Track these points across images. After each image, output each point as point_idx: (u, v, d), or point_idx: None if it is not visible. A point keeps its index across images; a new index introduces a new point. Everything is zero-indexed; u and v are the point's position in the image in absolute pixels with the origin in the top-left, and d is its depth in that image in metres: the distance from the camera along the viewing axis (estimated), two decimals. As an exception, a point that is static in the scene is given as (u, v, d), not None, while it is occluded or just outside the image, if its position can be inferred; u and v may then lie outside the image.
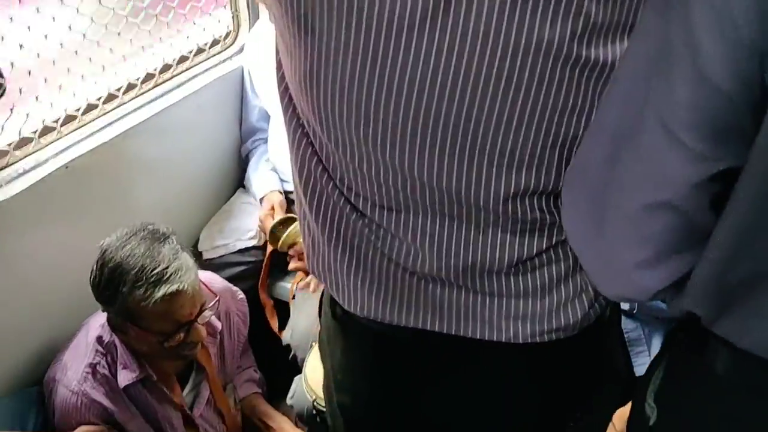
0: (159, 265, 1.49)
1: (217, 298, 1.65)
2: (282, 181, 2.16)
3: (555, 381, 0.99)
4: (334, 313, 1.05)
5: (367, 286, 0.95)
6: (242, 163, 2.30)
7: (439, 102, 0.79)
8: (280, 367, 2.00)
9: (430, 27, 0.75)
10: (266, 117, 2.23)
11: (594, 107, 0.79)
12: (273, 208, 2.09)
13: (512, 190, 0.84)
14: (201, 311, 1.59)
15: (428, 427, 1.07)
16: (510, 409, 1.01)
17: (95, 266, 1.52)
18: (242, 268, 2.13)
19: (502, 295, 0.91)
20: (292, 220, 2.00)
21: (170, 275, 1.50)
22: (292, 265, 2.00)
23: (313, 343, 1.79)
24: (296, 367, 1.90)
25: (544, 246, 0.89)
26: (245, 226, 2.15)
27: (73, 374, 1.58)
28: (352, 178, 0.89)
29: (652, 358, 1.54)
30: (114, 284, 1.49)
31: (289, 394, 1.80)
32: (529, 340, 0.92)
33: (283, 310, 2.12)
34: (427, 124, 0.81)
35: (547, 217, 0.87)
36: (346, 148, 0.86)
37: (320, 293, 1.19)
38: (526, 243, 0.88)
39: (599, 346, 1.02)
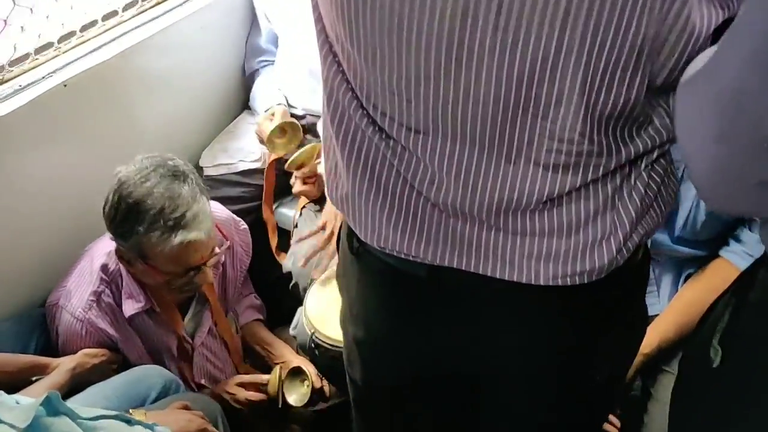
0: (178, 208, 1.47)
1: (228, 244, 1.65)
2: (289, 106, 2.10)
3: (575, 327, 0.96)
4: (351, 245, 1.03)
5: (386, 215, 0.92)
6: (246, 82, 2.24)
7: (478, 4, 0.73)
8: (279, 293, 1.99)
9: None
10: (275, 40, 2.15)
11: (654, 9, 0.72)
12: (273, 115, 2.03)
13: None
14: (211, 255, 1.58)
15: (440, 365, 1.06)
16: (526, 354, 0.99)
17: (111, 197, 1.48)
18: (243, 189, 2.10)
19: (525, 233, 0.87)
20: (293, 128, 1.96)
21: (188, 221, 1.47)
22: (296, 189, 1.98)
23: (314, 275, 1.77)
24: (297, 295, 1.89)
25: (579, 183, 0.84)
26: (250, 147, 2.11)
27: (78, 301, 1.57)
28: (379, 93, 0.85)
29: (661, 298, 1.54)
30: (130, 221, 1.47)
31: (292, 325, 1.80)
32: (551, 283, 0.88)
33: (282, 238, 2.10)
34: (465, 21, 0.75)
35: (595, 149, 0.82)
36: (376, 56, 0.81)
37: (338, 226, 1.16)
38: (558, 179, 0.83)
39: (626, 291, 0.98)
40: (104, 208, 1.50)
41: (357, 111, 0.88)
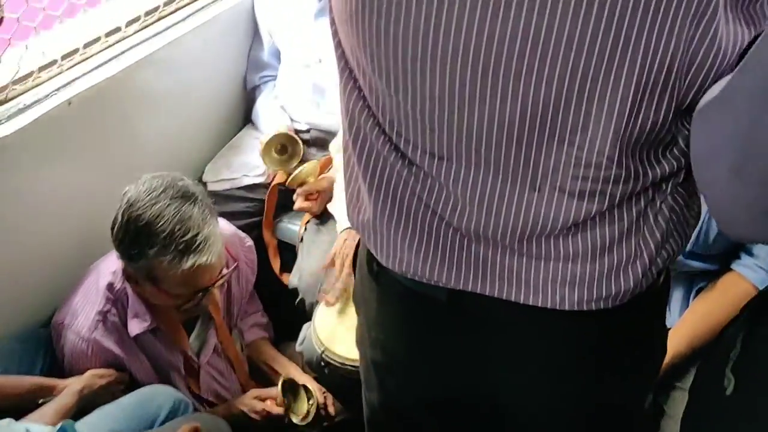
0: (189, 232, 1.45)
1: (235, 265, 1.64)
2: (292, 120, 2.10)
3: (597, 351, 0.95)
4: (370, 268, 1.02)
5: (407, 240, 0.91)
6: (248, 97, 2.23)
7: (506, 20, 0.72)
8: (285, 309, 1.98)
9: None
10: (277, 54, 2.15)
11: (683, 30, 0.71)
12: None
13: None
14: (220, 276, 1.57)
15: (460, 389, 1.05)
16: (546, 379, 0.98)
17: (120, 218, 1.47)
18: (247, 204, 2.10)
19: (549, 257, 0.86)
20: (292, 143, 1.95)
21: (199, 244, 1.46)
22: (298, 205, 1.97)
23: (320, 298, 1.77)
24: (303, 311, 1.88)
25: (604, 208, 0.83)
26: (253, 162, 2.11)
27: (84, 321, 1.56)
28: (402, 120, 0.84)
29: (672, 312, 1.53)
30: (140, 243, 1.45)
31: (299, 341, 1.79)
32: (576, 308, 0.87)
33: (286, 252, 2.09)
34: (490, 48, 0.74)
35: (623, 173, 0.80)
36: (398, 85, 0.81)
37: (355, 246, 1.16)
38: (584, 206, 0.82)
39: (648, 314, 0.97)
40: (113, 229, 1.48)
41: (379, 137, 0.88)
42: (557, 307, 0.87)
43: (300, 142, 2.00)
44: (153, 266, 1.47)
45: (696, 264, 1.47)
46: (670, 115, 0.78)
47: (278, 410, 1.75)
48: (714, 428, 0.97)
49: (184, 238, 1.45)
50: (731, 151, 0.67)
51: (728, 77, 0.70)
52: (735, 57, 0.72)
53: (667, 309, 1.54)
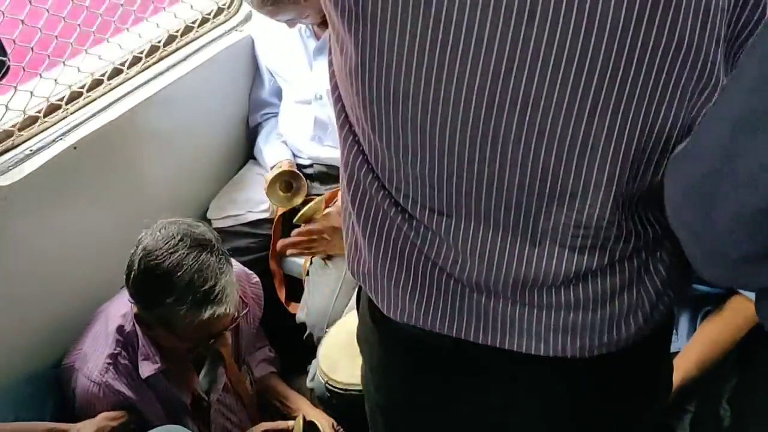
0: (207, 282, 1.45)
1: (247, 309, 1.65)
2: (294, 156, 2.12)
3: (602, 396, 0.95)
4: (372, 315, 1.02)
5: (408, 292, 0.92)
6: (250, 134, 2.25)
7: (506, 87, 0.74)
8: (293, 342, 1.98)
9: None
10: (278, 92, 2.17)
11: (684, 100, 0.73)
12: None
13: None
14: (232, 322, 1.58)
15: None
16: (550, 424, 0.98)
17: (137, 266, 1.47)
18: (252, 240, 2.10)
19: (551, 307, 0.87)
20: (296, 179, 1.97)
21: (217, 294, 1.47)
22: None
23: (327, 329, 1.77)
24: (312, 345, 1.88)
25: (605, 263, 0.84)
26: (257, 198, 2.12)
27: (94, 365, 1.56)
28: (402, 178, 0.85)
29: (679, 338, 1.54)
30: (158, 293, 1.46)
31: (309, 377, 1.79)
32: (578, 355, 0.88)
33: (293, 285, 2.10)
34: (490, 113, 0.75)
35: (623, 233, 0.82)
36: (399, 145, 0.82)
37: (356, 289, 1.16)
38: (585, 260, 0.83)
39: (652, 357, 0.98)
40: (128, 276, 1.49)
41: (378, 191, 0.89)
42: (559, 355, 0.88)
43: (303, 177, 2.01)
44: (169, 315, 1.47)
45: (701, 288, 1.48)
46: None
47: None
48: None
49: (203, 289, 1.45)
50: (699, 201, 0.69)
51: (694, 130, 0.72)
52: None
53: (675, 333, 1.56)
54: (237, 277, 1.72)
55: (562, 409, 0.96)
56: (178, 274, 1.44)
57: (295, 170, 2.02)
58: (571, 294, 0.85)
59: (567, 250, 0.83)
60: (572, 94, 0.72)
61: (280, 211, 2.06)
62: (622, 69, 0.70)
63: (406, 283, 0.92)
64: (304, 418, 1.78)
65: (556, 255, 0.83)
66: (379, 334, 1.03)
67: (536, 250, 0.83)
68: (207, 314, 1.46)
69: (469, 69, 0.74)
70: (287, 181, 2.01)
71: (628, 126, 0.74)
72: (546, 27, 0.70)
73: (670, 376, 1.09)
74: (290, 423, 1.80)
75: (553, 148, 0.76)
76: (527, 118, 0.75)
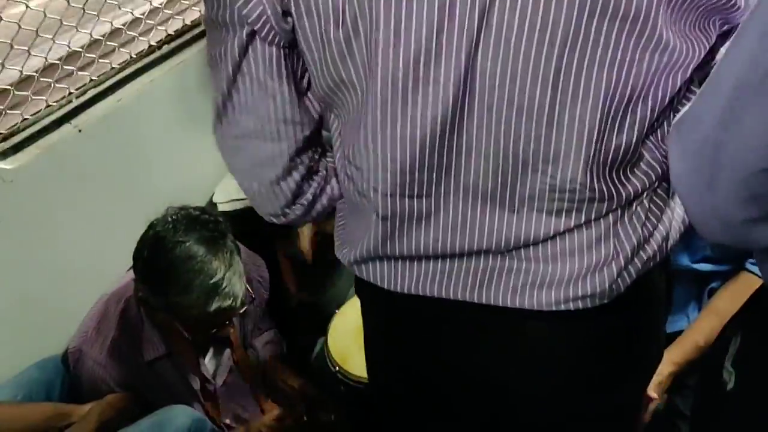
0: (216, 274, 1.45)
1: (252, 300, 1.64)
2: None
3: (586, 353, 0.97)
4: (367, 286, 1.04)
5: (398, 262, 0.96)
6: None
7: (474, 64, 0.78)
8: (298, 322, 1.99)
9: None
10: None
11: (634, 63, 0.77)
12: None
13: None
14: (237, 312, 1.58)
15: (452, 396, 1.08)
16: (538, 380, 1.00)
17: (147, 253, 1.46)
18: (256, 222, 2.08)
19: (528, 262, 0.90)
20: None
21: (225, 288, 1.46)
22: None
23: (336, 310, 1.77)
24: (316, 325, 1.89)
25: (583, 220, 0.87)
26: (262, 181, 2.11)
27: (100, 347, 1.58)
28: (378, 173, 0.88)
29: (687, 316, 1.53)
30: (166, 280, 1.45)
31: (314, 355, 1.79)
32: (553, 308, 0.90)
33: (300, 267, 2.10)
34: (464, 106, 0.80)
35: (597, 195, 0.85)
36: (376, 134, 0.85)
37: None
38: (562, 221, 0.87)
39: (637, 317, 0.99)
40: (136, 261, 1.49)
41: (356, 184, 0.93)
42: (534, 308, 0.91)
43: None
44: (176, 303, 1.47)
45: (706, 267, 1.48)
46: (634, 137, 0.83)
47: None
48: (720, 424, 0.98)
49: (211, 281, 1.45)
50: (701, 166, 0.72)
51: (695, 97, 0.75)
52: (689, 75, 0.80)
53: (685, 313, 1.56)
54: (243, 261, 1.72)
55: (552, 364, 0.98)
56: (188, 265, 1.43)
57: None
58: (548, 248, 0.89)
59: (544, 214, 0.86)
60: (535, 65, 0.76)
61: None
62: (581, 38, 0.75)
63: (392, 255, 0.95)
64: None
65: (534, 219, 0.87)
66: (377, 297, 1.05)
67: (514, 217, 0.87)
68: (214, 307, 1.46)
69: (444, 51, 0.77)
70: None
71: (591, 91, 0.78)
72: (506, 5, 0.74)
73: (659, 343, 1.09)
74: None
75: (522, 119, 0.80)
76: (507, 88, 0.78)
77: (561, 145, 0.81)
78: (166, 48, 1.93)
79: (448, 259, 0.93)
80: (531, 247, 0.89)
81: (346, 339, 1.68)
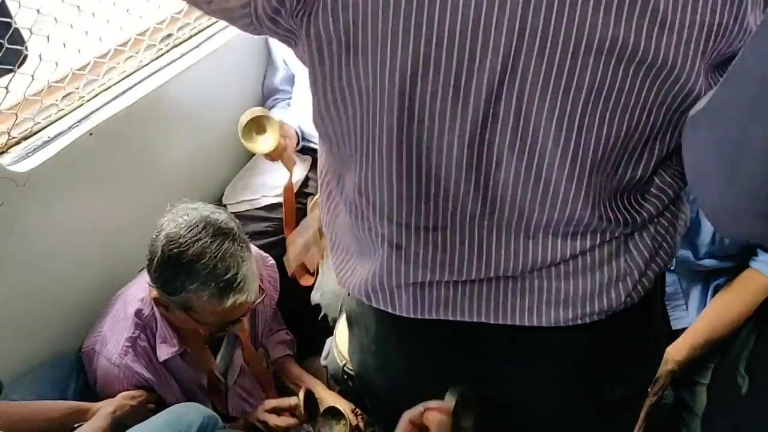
0: (230, 270, 1.47)
1: (264, 295, 1.66)
2: (308, 140, 2.14)
3: (596, 359, 0.99)
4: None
5: (410, 292, 0.95)
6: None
7: (498, 102, 0.77)
8: (309, 324, 2.00)
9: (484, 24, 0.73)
10: (290, 80, 2.20)
11: (656, 107, 0.77)
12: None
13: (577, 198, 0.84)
14: (250, 308, 1.60)
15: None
16: (551, 392, 1.01)
17: (160, 253, 1.47)
18: (268, 223, 2.12)
19: (543, 284, 0.91)
20: (269, 122, 1.93)
21: (239, 283, 1.49)
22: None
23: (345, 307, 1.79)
24: (327, 326, 1.90)
25: (598, 242, 0.88)
26: (272, 182, 2.14)
27: (114, 347, 1.59)
28: (391, 203, 0.88)
29: (689, 311, 1.55)
30: (181, 279, 1.47)
31: (323, 355, 1.81)
32: (570, 323, 0.92)
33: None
34: (483, 127, 0.80)
35: (611, 224, 0.86)
36: (391, 169, 0.85)
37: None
38: (578, 244, 0.87)
39: (643, 320, 1.01)
40: (150, 261, 1.50)
41: (365, 214, 0.92)
42: (552, 325, 0.92)
43: (273, 116, 1.97)
44: (191, 300, 1.49)
45: (710, 263, 1.49)
46: (649, 170, 0.84)
47: (292, 422, 1.77)
48: (733, 428, 0.98)
49: (225, 277, 1.47)
50: (722, 160, 0.70)
51: (714, 90, 0.72)
52: None
53: (685, 308, 1.57)
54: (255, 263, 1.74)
55: (564, 375, 0.99)
56: (202, 261, 1.45)
57: (265, 112, 1.97)
58: (561, 269, 0.89)
59: (560, 239, 0.87)
60: (562, 105, 0.76)
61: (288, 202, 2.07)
62: (607, 84, 0.74)
63: (407, 285, 0.95)
64: (308, 391, 1.80)
65: (550, 244, 0.87)
66: (376, 317, 1.06)
67: (530, 242, 0.88)
68: (229, 302, 1.49)
69: (461, 99, 0.78)
70: (260, 125, 1.95)
71: (612, 138, 0.78)
72: (534, 54, 0.74)
73: (661, 347, 1.11)
74: (293, 400, 1.82)
75: (534, 157, 0.80)
76: (519, 134, 0.79)
77: (571, 189, 0.82)
78: (175, 52, 1.95)
79: (460, 284, 0.93)
80: (546, 269, 0.90)
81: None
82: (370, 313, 1.07)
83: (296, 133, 2.12)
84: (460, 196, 0.85)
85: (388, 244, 0.91)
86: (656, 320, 1.06)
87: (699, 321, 1.48)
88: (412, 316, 0.97)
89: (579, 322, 0.91)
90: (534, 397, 1.02)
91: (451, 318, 0.95)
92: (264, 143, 1.94)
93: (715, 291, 1.53)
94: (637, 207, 0.87)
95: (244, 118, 1.91)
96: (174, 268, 1.47)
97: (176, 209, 1.54)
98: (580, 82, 0.74)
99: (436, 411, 0.93)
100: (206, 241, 1.47)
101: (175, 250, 1.46)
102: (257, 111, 1.94)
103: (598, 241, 0.87)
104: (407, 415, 0.95)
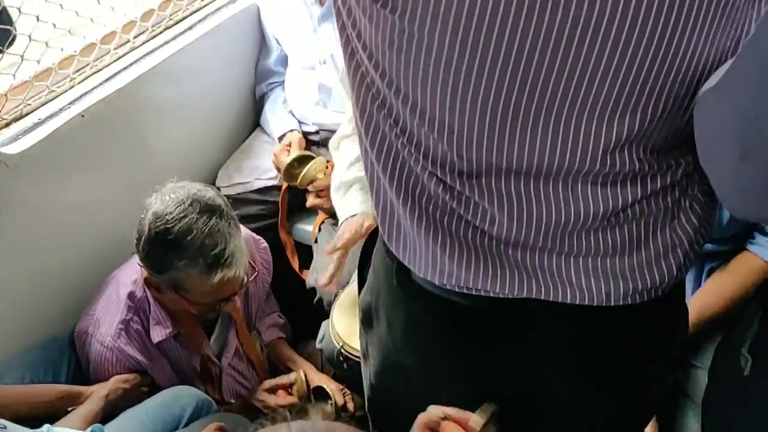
0: (217, 246, 1.47)
1: (255, 273, 1.66)
2: (300, 123, 2.13)
3: (633, 342, 0.95)
4: (400, 282, 0.99)
5: (447, 253, 0.90)
6: (257, 103, 2.26)
7: (536, 54, 0.73)
8: (303, 307, 2.00)
9: None
10: (284, 61, 2.18)
11: (707, 37, 0.72)
12: (290, 145, 2.07)
13: (609, 142, 0.78)
14: (242, 286, 1.60)
15: (492, 387, 1.02)
16: (583, 371, 0.97)
17: (148, 231, 1.47)
18: (261, 207, 2.12)
19: (589, 253, 0.86)
20: (309, 158, 1.97)
21: (227, 258, 1.48)
22: (310, 202, 2.00)
23: (340, 291, 1.78)
24: (322, 309, 1.90)
25: (639, 196, 0.83)
26: (264, 165, 2.13)
27: (107, 330, 1.59)
28: (430, 145, 0.84)
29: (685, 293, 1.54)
30: (169, 257, 1.47)
31: (318, 338, 1.80)
32: (621, 302, 0.87)
33: (302, 252, 2.12)
34: (526, 80, 0.75)
35: (645, 166, 0.81)
36: (427, 115, 0.81)
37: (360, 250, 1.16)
38: (619, 193, 0.82)
39: (673, 302, 0.97)
40: (138, 240, 1.50)
41: (410, 156, 0.87)
42: (603, 304, 0.87)
43: (313, 155, 2.01)
44: (180, 278, 1.49)
45: (710, 247, 1.48)
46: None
47: (291, 401, 1.77)
48: (734, 409, 0.97)
49: (213, 252, 1.47)
50: (735, 135, 0.68)
51: (726, 64, 0.71)
52: None
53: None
54: (246, 243, 1.74)
55: (595, 356, 0.96)
56: (189, 238, 1.45)
57: (308, 153, 2.02)
58: (608, 237, 0.84)
59: (599, 187, 0.82)
60: (610, 54, 0.72)
61: (285, 185, 2.07)
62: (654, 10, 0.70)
63: (443, 244, 0.90)
64: (306, 376, 1.80)
65: (589, 193, 0.82)
66: (409, 301, 1.01)
67: (570, 193, 0.83)
68: (217, 278, 1.48)
69: (506, 41, 0.72)
70: (299, 159, 2.00)
71: (661, 77, 0.74)
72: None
73: (686, 323, 1.07)
74: (292, 377, 1.81)
75: (580, 92, 0.75)
76: (561, 84, 0.74)
77: (615, 118, 0.77)
78: (168, 33, 1.93)
79: (495, 248, 0.88)
80: (591, 233, 0.84)
81: (351, 317, 1.69)
82: (399, 305, 1.03)
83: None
84: (494, 147, 0.80)
85: (423, 185, 0.87)
86: (683, 301, 1.03)
87: (694, 301, 1.47)
88: (437, 280, 0.92)
89: (629, 300, 0.86)
90: (562, 384, 0.99)
91: (485, 290, 0.90)
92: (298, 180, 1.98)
93: (709, 274, 1.53)
94: (680, 158, 0.83)
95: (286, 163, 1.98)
96: (162, 245, 1.46)
97: (164, 188, 1.53)
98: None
99: (456, 424, 0.88)
100: (193, 218, 1.46)
101: (162, 228, 1.46)
102: (295, 144, 2.03)
103: (640, 194, 0.82)
104: (423, 418, 0.90)
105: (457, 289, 0.92)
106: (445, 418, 0.89)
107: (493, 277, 0.90)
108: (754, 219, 0.87)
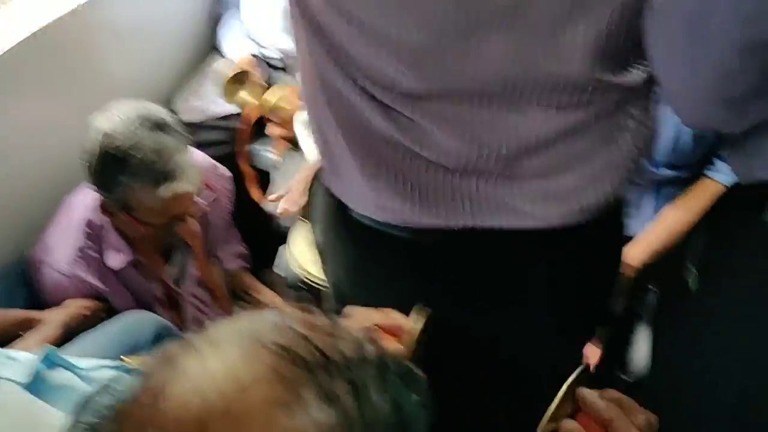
0: (165, 161, 1.45)
1: (214, 197, 1.66)
2: (260, 47, 2.07)
3: (575, 268, 0.97)
4: (342, 219, 0.99)
5: (392, 191, 0.90)
6: (213, 25, 2.19)
7: None
8: (263, 235, 1.99)
9: None
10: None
11: None
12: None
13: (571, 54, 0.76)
14: (194, 206, 1.58)
15: (454, 329, 1.02)
16: (528, 295, 0.99)
17: (95, 148, 1.44)
18: (219, 132, 2.08)
19: (534, 175, 0.86)
20: (245, 74, 1.92)
21: (175, 173, 1.46)
22: (270, 131, 1.96)
23: (299, 218, 1.77)
24: (280, 235, 1.89)
25: (583, 119, 0.82)
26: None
27: (62, 256, 1.56)
28: (373, 63, 0.81)
29: (642, 219, 1.56)
30: (117, 173, 1.45)
31: (276, 263, 1.81)
32: (563, 221, 0.88)
33: (262, 177, 2.09)
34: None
35: (601, 85, 0.80)
36: (370, 31, 0.78)
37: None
38: (564, 118, 0.82)
39: (612, 229, 1.00)
40: (87, 160, 1.46)
41: (346, 82, 0.85)
42: (546, 226, 0.88)
43: (255, 74, 1.95)
44: (128, 195, 1.47)
45: (666, 172, 1.50)
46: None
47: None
48: (682, 326, 1.00)
49: (160, 167, 1.44)
50: (684, 44, 0.68)
51: None
52: None
53: (637, 215, 1.58)
54: (204, 169, 1.71)
55: (541, 280, 0.97)
56: (135, 153, 1.43)
57: (246, 69, 1.95)
58: (549, 158, 0.85)
59: (547, 110, 0.81)
60: None
61: (252, 115, 2.01)
62: None
63: (388, 181, 0.89)
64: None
65: (538, 117, 0.82)
66: (353, 242, 1.01)
67: (521, 117, 0.82)
68: (164, 192, 1.47)
69: None
70: (239, 78, 1.94)
71: None
72: None
73: (621, 240, 1.09)
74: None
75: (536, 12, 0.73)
76: None
77: (573, 38, 0.75)
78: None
79: (443, 179, 0.87)
80: (540, 153, 0.84)
81: (308, 246, 1.69)
82: (344, 245, 1.03)
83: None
84: (447, 60, 0.78)
85: (367, 120, 0.85)
86: (619, 226, 1.05)
87: (656, 227, 1.48)
88: (384, 219, 0.91)
89: (571, 220, 0.88)
90: (506, 313, 0.99)
91: (435, 223, 0.90)
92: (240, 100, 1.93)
93: (665, 200, 1.55)
94: (625, 71, 0.82)
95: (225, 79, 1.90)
96: (109, 162, 1.44)
97: (108, 109, 1.49)
98: None
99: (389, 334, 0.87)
100: (141, 134, 1.44)
101: (110, 144, 1.43)
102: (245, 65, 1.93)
103: (583, 117, 0.82)
104: (373, 317, 0.88)
105: (401, 225, 0.91)
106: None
107: (439, 210, 0.89)
108: (704, 128, 0.88)
